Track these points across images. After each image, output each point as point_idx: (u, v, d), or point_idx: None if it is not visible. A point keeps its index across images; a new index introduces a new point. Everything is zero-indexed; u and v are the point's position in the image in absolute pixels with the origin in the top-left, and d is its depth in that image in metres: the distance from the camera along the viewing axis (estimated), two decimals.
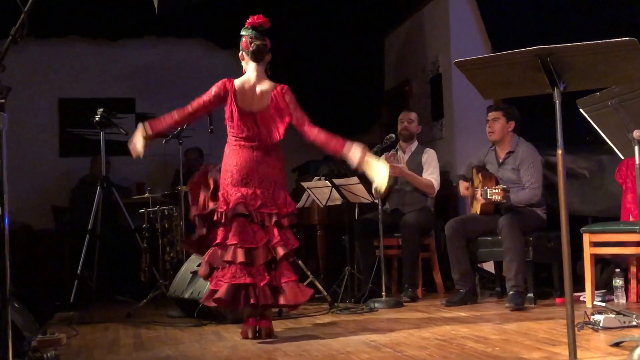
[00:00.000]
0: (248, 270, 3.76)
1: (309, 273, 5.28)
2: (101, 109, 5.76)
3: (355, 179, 5.34)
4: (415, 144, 5.97)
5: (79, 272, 5.50)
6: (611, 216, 5.11)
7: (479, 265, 5.72)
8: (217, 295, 3.75)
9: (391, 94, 8.29)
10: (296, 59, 7.82)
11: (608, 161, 5.27)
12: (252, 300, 3.75)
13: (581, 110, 3.20)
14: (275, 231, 3.85)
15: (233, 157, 3.93)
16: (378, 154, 5.30)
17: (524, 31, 6.15)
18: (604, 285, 5.12)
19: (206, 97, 4.00)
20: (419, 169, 5.79)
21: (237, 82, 3.99)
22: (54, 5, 7.01)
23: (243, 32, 4.04)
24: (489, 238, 5.12)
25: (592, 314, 3.68)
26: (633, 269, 4.86)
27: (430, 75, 7.22)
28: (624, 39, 2.42)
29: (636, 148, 2.98)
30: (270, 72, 4.08)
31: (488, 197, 4.77)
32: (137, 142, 3.95)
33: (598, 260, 5.16)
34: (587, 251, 4.72)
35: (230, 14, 6.37)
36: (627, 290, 4.86)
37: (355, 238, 5.65)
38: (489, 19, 6.55)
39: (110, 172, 6.69)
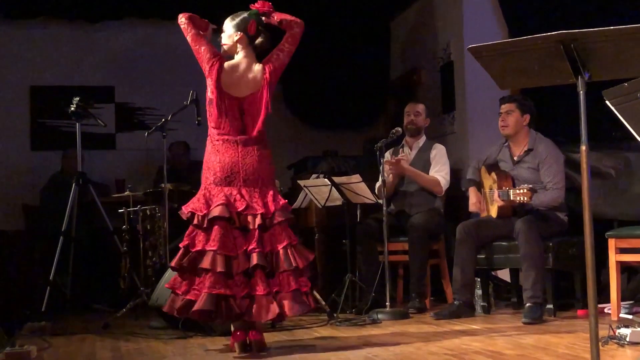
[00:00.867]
0: (226, 281, 3.75)
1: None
2: (77, 98, 5.75)
3: (357, 177, 5.34)
4: (423, 139, 5.97)
5: (51, 278, 5.49)
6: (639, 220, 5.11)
7: (493, 273, 5.72)
8: (196, 307, 3.73)
9: (397, 84, 8.29)
10: (297, 48, 7.80)
11: (636, 159, 5.27)
12: (236, 311, 3.74)
13: (607, 102, 3.19)
14: (256, 235, 3.83)
15: (216, 153, 3.93)
16: (383, 149, 5.30)
17: (545, 14, 6.15)
18: (631, 295, 5.12)
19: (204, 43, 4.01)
20: (426, 167, 5.79)
21: (227, 64, 3.98)
22: None
23: (249, 16, 4.02)
24: (504, 243, 5.12)
25: (618, 328, 3.68)
26: None
27: (440, 62, 7.22)
28: None
29: None
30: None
31: (511, 198, 4.75)
32: None
33: (624, 268, 5.16)
34: (613, 258, 4.72)
35: None
36: None
37: (357, 242, 5.65)
38: (507, 1, 6.55)
39: (87, 168, 6.68)
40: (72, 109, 5.71)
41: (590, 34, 2.49)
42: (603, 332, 3.52)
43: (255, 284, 3.80)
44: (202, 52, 4.00)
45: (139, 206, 5.83)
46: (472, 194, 5.34)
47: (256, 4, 4.06)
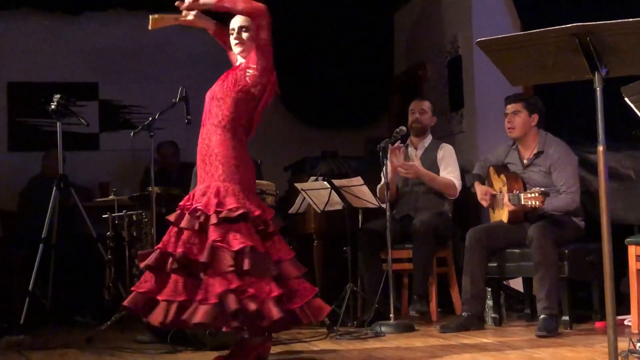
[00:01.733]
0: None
1: None
2: (58, 96, 5.75)
3: (358, 180, 5.34)
4: (429, 139, 5.97)
5: (30, 288, 5.48)
6: None
7: (504, 282, 5.72)
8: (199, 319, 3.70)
9: (402, 80, 8.30)
10: (291, 38, 7.83)
11: None
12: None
13: (626, 99, 3.20)
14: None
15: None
16: (386, 150, 5.30)
17: (559, 5, 6.16)
18: None
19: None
20: (434, 169, 5.79)
21: None
22: None
23: None
24: (516, 250, 5.12)
25: (639, 341, 3.68)
26: None
27: (447, 57, 7.23)
28: None
29: None
30: None
31: (522, 202, 4.75)
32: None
33: None
34: (633, 266, 4.73)
35: None
36: None
37: (359, 249, 5.65)
38: None
39: (69, 170, 6.69)
40: (53, 107, 5.71)
41: (607, 26, 2.49)
42: (623, 346, 3.52)
43: None
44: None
45: (124, 211, 5.84)
46: (478, 188, 5.33)
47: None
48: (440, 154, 5.84)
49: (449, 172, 5.77)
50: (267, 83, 4.04)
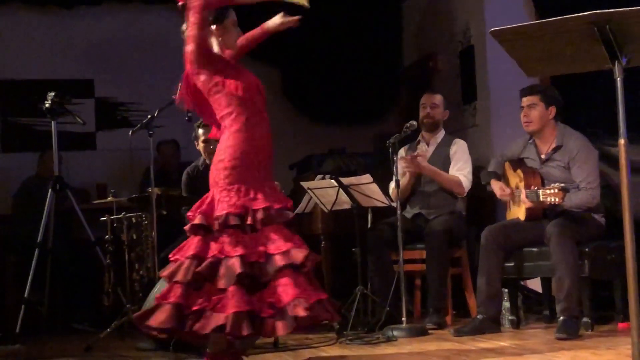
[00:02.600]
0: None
1: None
2: (52, 93, 5.77)
3: (367, 178, 5.34)
4: (441, 134, 5.97)
5: (26, 295, 5.50)
6: None
7: (522, 283, 5.72)
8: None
9: (411, 72, 8.30)
10: (295, 30, 7.80)
11: None
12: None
13: None
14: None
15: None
16: (396, 145, 5.30)
17: None
18: None
19: None
20: (446, 165, 5.79)
21: None
22: None
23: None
24: (534, 249, 5.12)
25: None
26: None
27: (459, 47, 7.23)
28: None
29: None
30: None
31: (541, 199, 4.74)
32: None
33: None
34: None
35: None
36: None
37: (369, 251, 5.66)
38: None
39: (64, 171, 6.71)
40: (47, 105, 5.73)
41: (627, 13, 2.49)
42: None
43: None
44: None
45: (123, 213, 5.85)
46: (495, 185, 5.31)
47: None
48: (453, 149, 5.84)
49: (458, 169, 5.77)
50: None
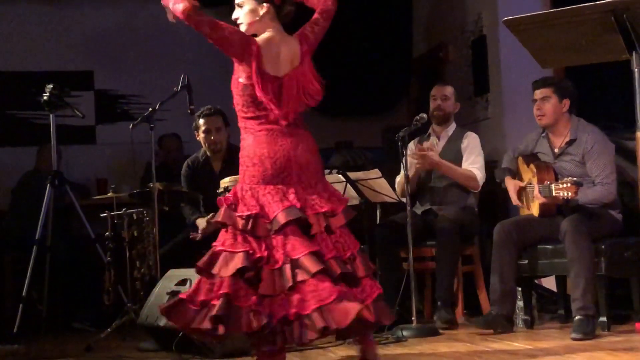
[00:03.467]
0: None
1: None
2: (50, 86, 5.78)
3: (376, 172, 5.35)
4: (452, 127, 5.96)
5: (24, 293, 5.52)
6: None
7: (536, 281, 5.72)
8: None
9: (421, 62, 8.30)
10: (302, 19, 7.79)
11: None
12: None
13: None
14: (326, 239, 3.80)
15: (262, 146, 3.82)
16: (405, 139, 5.29)
17: None
18: None
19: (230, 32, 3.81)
20: (457, 159, 5.79)
21: (260, 40, 3.88)
22: None
23: None
24: (549, 246, 5.11)
25: None
26: None
27: (471, 37, 7.22)
28: None
29: None
30: None
31: (553, 194, 4.74)
32: None
33: None
34: None
35: None
36: None
37: (377, 248, 5.65)
38: None
39: (63, 166, 6.72)
40: (45, 98, 5.74)
41: None
42: None
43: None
44: (228, 37, 3.80)
45: (124, 209, 5.86)
46: (510, 184, 5.31)
47: None
48: (464, 143, 5.83)
49: (471, 162, 5.76)
50: None
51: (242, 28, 3.93)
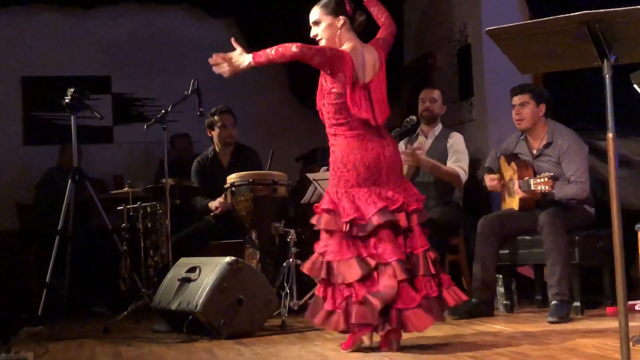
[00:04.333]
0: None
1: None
2: (72, 89, 5.77)
3: None
4: (439, 128, 5.96)
5: (47, 280, 5.51)
6: None
7: (516, 269, 5.72)
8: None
9: (412, 68, 8.28)
10: (301, 28, 7.79)
11: None
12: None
13: (635, 86, 3.20)
14: (417, 235, 3.85)
15: (356, 151, 3.81)
16: (396, 139, 5.29)
17: None
18: None
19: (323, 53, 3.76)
20: (443, 157, 5.78)
21: (348, 49, 3.84)
22: None
23: None
24: (528, 237, 5.12)
25: None
26: None
27: (457, 46, 7.21)
28: None
29: None
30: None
31: (532, 188, 4.76)
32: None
33: None
34: None
35: None
36: None
37: None
38: None
39: (83, 163, 6.72)
40: (67, 100, 5.73)
41: (616, 13, 2.48)
42: (634, 331, 3.52)
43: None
44: (330, 57, 3.76)
45: (139, 203, 5.85)
46: (487, 178, 5.33)
47: None
48: (450, 142, 5.83)
49: (455, 161, 5.76)
50: None
51: (323, 43, 3.91)
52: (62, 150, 7.19)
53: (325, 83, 3.85)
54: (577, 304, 4.90)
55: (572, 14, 2.52)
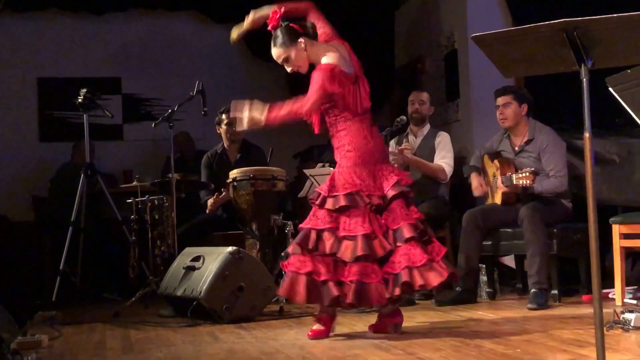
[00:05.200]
0: None
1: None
2: (84, 90, 5.75)
3: None
4: (427, 127, 5.97)
5: (61, 268, 5.51)
6: None
7: (498, 259, 5.73)
8: None
9: (402, 72, 8.28)
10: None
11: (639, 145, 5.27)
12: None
13: (610, 89, 3.19)
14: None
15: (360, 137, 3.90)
16: (388, 138, 5.30)
17: (548, 2, 6.14)
18: (635, 281, 5.13)
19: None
20: (431, 155, 5.79)
21: (336, 59, 3.85)
22: None
23: (285, 26, 3.88)
24: (509, 230, 5.12)
25: (622, 313, 3.69)
26: None
27: (444, 51, 7.21)
28: None
29: None
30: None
31: (514, 182, 4.77)
32: None
33: (629, 253, 5.16)
34: (617, 244, 4.73)
35: None
36: None
37: None
38: None
39: (95, 159, 6.71)
40: (80, 100, 5.72)
41: (592, 21, 2.48)
42: (608, 318, 3.53)
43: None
44: (329, 88, 3.81)
45: (146, 196, 5.85)
46: (474, 179, 5.34)
47: (270, 18, 3.89)
48: (437, 140, 5.84)
49: (441, 157, 5.79)
50: None
51: (304, 70, 3.91)
52: (75, 146, 7.17)
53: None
54: (554, 292, 4.91)
55: (552, 21, 2.52)
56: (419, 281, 3.66)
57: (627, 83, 3.10)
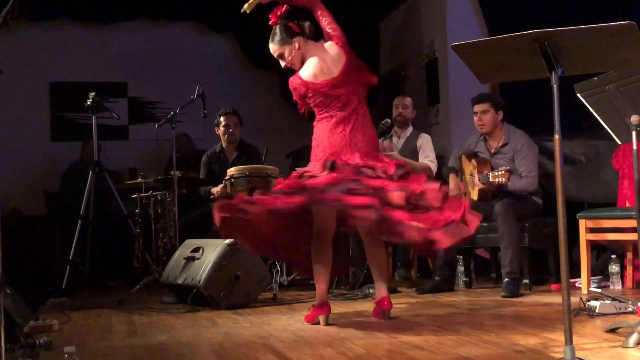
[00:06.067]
0: None
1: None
2: (93, 93, 5.72)
3: None
4: (410, 130, 5.97)
5: (70, 258, 5.48)
6: (607, 202, 5.13)
7: (475, 251, 5.74)
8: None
9: (387, 78, 8.27)
10: None
11: (605, 147, 5.28)
12: None
13: (578, 95, 3.20)
14: None
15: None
16: None
17: (521, 14, 6.15)
18: (600, 271, 5.15)
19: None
20: (414, 155, 5.80)
21: (315, 64, 3.87)
22: None
23: (283, 24, 3.86)
24: (484, 224, 5.11)
25: (588, 300, 3.70)
26: (629, 255, 4.89)
27: (426, 59, 7.21)
28: (622, 22, 2.41)
29: (634, 133, 2.98)
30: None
31: (490, 180, 4.77)
32: None
33: (594, 246, 5.18)
34: (583, 237, 4.74)
35: None
36: (622, 277, 4.90)
37: None
38: (486, 2, 6.54)
39: (102, 157, 6.68)
40: (89, 103, 5.69)
41: (563, 32, 2.48)
42: (575, 305, 3.54)
43: None
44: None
45: (150, 192, 5.84)
46: (452, 180, 5.33)
47: (272, 15, 3.87)
48: (419, 142, 5.85)
49: (426, 156, 5.79)
50: None
51: (297, 67, 3.88)
52: (84, 146, 7.15)
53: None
54: (526, 281, 4.92)
55: (525, 32, 2.52)
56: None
57: (593, 89, 3.11)
